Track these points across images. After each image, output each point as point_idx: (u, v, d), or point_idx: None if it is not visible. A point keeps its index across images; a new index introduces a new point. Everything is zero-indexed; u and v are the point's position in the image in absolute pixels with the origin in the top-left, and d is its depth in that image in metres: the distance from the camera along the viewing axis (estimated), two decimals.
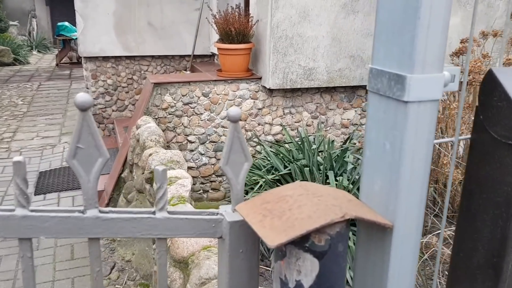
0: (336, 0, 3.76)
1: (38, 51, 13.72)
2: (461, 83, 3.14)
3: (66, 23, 11.02)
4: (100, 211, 0.63)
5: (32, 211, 0.61)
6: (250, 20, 3.88)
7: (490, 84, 0.70)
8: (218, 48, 3.94)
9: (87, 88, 5.07)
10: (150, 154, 2.96)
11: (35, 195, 4.07)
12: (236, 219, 0.67)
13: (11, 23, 13.35)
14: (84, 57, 4.97)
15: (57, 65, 11.03)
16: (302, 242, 0.58)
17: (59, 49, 11.30)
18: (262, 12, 3.83)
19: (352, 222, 2.19)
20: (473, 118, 0.73)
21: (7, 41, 11.72)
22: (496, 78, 0.69)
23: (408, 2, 0.58)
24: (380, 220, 0.61)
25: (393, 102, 0.61)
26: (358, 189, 3.31)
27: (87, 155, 0.60)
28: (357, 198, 0.69)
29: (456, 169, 3.10)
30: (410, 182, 0.62)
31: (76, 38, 10.87)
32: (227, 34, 3.81)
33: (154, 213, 0.65)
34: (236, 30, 3.77)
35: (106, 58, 5.00)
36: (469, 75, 2.98)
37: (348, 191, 3.31)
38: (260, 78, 3.93)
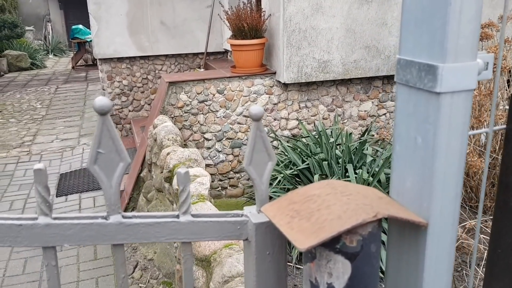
0: None
1: (54, 55, 13.91)
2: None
3: (80, 26, 11.14)
4: (124, 217, 0.61)
5: (55, 218, 0.59)
6: (262, 15, 3.84)
7: None
8: (231, 45, 3.91)
9: (103, 90, 5.11)
10: (168, 153, 2.96)
11: (56, 196, 4.13)
12: (261, 221, 0.65)
13: (27, 28, 13.54)
14: (99, 59, 5.00)
15: (73, 68, 11.17)
16: (332, 244, 0.56)
17: (74, 52, 11.44)
18: (274, 6, 3.79)
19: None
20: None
21: (24, 46, 11.91)
22: None
23: None
24: (414, 218, 0.58)
25: (424, 94, 0.58)
26: (378, 181, 3.26)
27: (108, 160, 0.58)
28: (382, 194, 0.66)
29: (479, 158, 3.03)
30: (444, 177, 0.59)
31: (91, 41, 10.99)
32: (240, 30, 3.78)
33: (178, 216, 0.63)
34: (249, 26, 3.74)
35: (120, 59, 5.03)
36: None
37: (368, 184, 3.26)
38: (275, 73, 3.89)
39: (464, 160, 0.60)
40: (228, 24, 3.90)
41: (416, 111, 0.59)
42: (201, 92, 3.79)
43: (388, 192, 0.69)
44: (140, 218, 0.62)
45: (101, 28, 4.85)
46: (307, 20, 3.67)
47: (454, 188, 0.61)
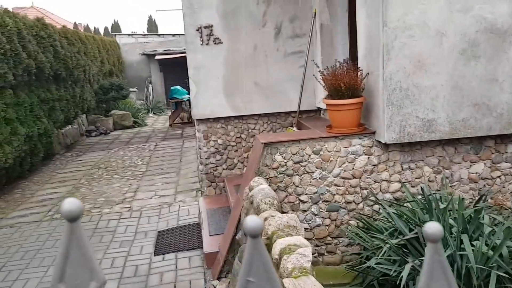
0: (454, 47, 3.48)
1: (154, 113, 15.03)
2: None
3: (178, 87, 11.96)
4: None
5: None
6: (359, 74, 3.75)
7: None
8: (327, 104, 3.84)
9: (200, 149, 5.29)
10: (266, 218, 2.88)
11: (154, 255, 4.20)
12: None
13: (131, 89, 14.89)
14: (197, 120, 5.22)
15: (170, 125, 11.90)
16: None
17: (172, 111, 12.23)
18: (372, 65, 3.68)
19: None
20: None
21: (128, 106, 13.03)
22: None
23: None
24: None
25: None
26: (500, 255, 2.85)
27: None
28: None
29: None
30: None
31: (187, 100, 11.72)
32: (336, 90, 3.71)
33: None
34: (346, 85, 3.66)
35: (216, 119, 5.20)
36: None
37: (487, 258, 2.87)
38: (374, 133, 3.72)
39: None
40: (323, 84, 3.86)
41: None
42: (296, 153, 3.72)
43: None
44: None
45: (199, 91, 5.10)
46: (409, 78, 3.50)
47: None
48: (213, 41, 4.94)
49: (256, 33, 5.01)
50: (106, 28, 29.24)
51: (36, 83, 8.69)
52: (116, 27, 29.03)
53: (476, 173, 3.82)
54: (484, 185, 3.86)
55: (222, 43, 4.96)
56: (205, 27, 4.91)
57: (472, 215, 3.17)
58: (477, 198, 3.81)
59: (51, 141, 8.81)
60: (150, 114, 14.83)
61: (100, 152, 9.34)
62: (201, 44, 4.95)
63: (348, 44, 4.85)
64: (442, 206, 3.21)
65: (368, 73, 3.74)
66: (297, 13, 5.02)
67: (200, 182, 5.43)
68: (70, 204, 0.48)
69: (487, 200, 3.64)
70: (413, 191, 3.75)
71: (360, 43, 3.91)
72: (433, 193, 3.53)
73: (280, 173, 3.73)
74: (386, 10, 3.39)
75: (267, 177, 3.71)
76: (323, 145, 3.73)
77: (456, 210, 3.20)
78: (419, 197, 3.63)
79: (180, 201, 5.71)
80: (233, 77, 5.08)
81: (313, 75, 4.76)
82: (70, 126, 10.40)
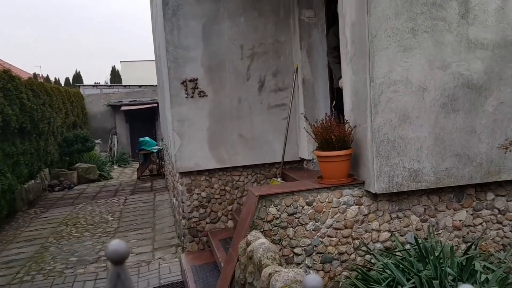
0: (435, 101, 3.71)
1: (119, 165, 14.67)
2: None
3: (147, 138, 11.81)
4: None
5: None
6: (347, 126, 3.89)
7: None
8: (319, 156, 3.93)
9: (182, 203, 5.18)
10: (270, 274, 2.82)
11: None
12: None
13: (96, 141, 14.55)
14: (180, 173, 5.15)
15: (138, 178, 11.61)
16: None
17: (140, 163, 11.98)
18: (359, 118, 3.84)
19: None
20: None
21: (93, 159, 12.66)
22: None
23: None
24: None
25: None
26: None
27: None
28: None
29: None
30: None
31: (157, 151, 11.53)
32: (328, 142, 3.81)
33: None
34: (337, 137, 3.77)
35: (200, 172, 5.16)
36: None
37: None
38: (363, 183, 3.81)
39: None
40: (314, 137, 3.95)
41: None
42: (290, 205, 3.73)
43: None
44: None
45: (183, 143, 5.07)
46: (395, 130, 3.66)
47: None
48: (198, 94, 5.00)
49: (241, 87, 5.13)
50: (67, 79, 28.88)
51: (1, 136, 8.35)
52: (77, 77, 28.75)
53: (460, 220, 3.96)
54: (468, 232, 3.99)
55: (207, 96, 5.03)
56: (190, 81, 4.98)
57: (464, 263, 3.25)
58: (462, 245, 3.93)
59: (15, 198, 8.36)
60: (115, 166, 14.46)
61: (65, 208, 8.92)
62: (186, 97, 5.00)
63: (329, 98, 5.06)
64: (436, 254, 3.28)
65: (355, 126, 3.88)
66: (279, 68, 5.21)
67: (182, 237, 5.27)
68: None
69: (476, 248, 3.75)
70: (401, 239, 3.82)
71: (346, 97, 4.09)
72: (424, 242, 3.61)
73: (275, 226, 3.70)
74: (373, 67, 3.60)
75: (262, 230, 3.68)
76: (316, 196, 3.77)
77: (449, 258, 3.28)
78: (407, 246, 3.70)
79: (160, 258, 5.49)
80: (217, 129, 5.12)
81: (304, 127, 4.87)
82: (33, 181, 9.94)
